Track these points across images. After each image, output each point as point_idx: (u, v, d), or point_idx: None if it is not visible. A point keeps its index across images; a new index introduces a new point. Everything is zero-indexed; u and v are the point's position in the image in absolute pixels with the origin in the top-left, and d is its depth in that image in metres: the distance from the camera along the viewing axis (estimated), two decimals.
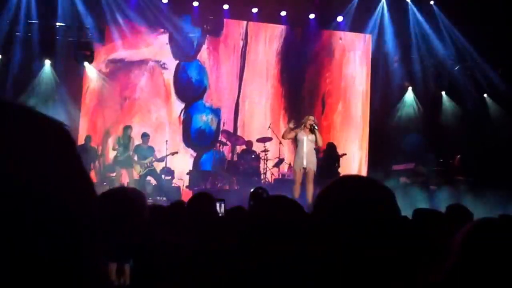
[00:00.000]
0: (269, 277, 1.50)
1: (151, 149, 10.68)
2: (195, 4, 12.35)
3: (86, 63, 11.59)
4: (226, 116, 12.71)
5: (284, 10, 12.67)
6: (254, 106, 12.86)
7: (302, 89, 12.95)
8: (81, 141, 10.75)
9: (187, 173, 11.12)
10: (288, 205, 1.68)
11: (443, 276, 1.46)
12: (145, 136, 10.70)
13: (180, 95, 12.52)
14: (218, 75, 12.75)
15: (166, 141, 11.11)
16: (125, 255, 2.10)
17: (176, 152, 11.09)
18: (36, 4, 11.38)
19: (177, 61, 12.58)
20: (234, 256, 2.66)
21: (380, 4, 12.86)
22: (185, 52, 12.57)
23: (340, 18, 12.88)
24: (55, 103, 10.99)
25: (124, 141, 10.40)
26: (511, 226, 1.55)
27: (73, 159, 0.61)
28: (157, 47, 12.43)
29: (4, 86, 10.92)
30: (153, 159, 10.59)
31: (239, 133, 12.56)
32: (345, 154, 11.19)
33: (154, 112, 12.36)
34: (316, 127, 8.59)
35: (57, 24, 11.51)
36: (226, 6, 12.45)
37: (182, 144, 12.35)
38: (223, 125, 12.58)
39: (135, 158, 10.46)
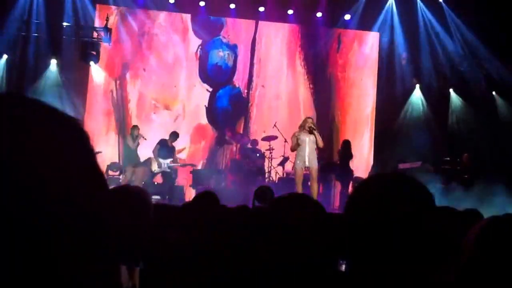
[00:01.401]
0: (282, 276, 1.48)
1: (173, 149, 10.70)
2: (202, 4, 12.34)
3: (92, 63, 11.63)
4: (243, 53, 12.85)
5: (291, 9, 12.64)
6: (270, 44, 12.96)
7: (318, 27, 12.99)
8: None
9: (191, 172, 11.12)
10: (307, 204, 1.63)
11: (456, 275, 1.45)
12: (173, 135, 10.76)
13: (197, 31, 12.63)
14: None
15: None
16: (134, 257, 2.07)
17: (195, 165, 11.08)
18: (43, 4, 11.44)
19: None
20: (241, 256, 2.64)
21: (389, 2, 12.79)
22: None
23: (347, 16, 12.82)
24: (61, 102, 11.03)
25: (134, 140, 10.42)
26: None
27: (88, 155, 0.62)
28: None
29: (11, 85, 10.99)
30: (171, 162, 10.57)
31: (254, 70, 12.80)
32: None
33: (171, 48, 12.55)
34: (314, 129, 8.68)
35: (64, 23, 11.55)
36: (232, 6, 12.43)
37: (198, 79, 12.59)
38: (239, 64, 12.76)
39: (156, 152, 10.48)
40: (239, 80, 12.86)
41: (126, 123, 12.10)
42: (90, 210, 0.59)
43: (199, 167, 11.82)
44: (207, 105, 12.58)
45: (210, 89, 12.65)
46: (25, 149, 0.56)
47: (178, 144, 11.15)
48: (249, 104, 12.78)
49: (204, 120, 12.55)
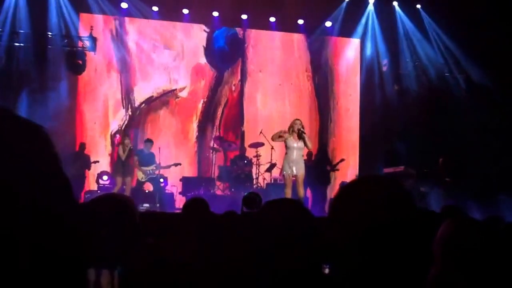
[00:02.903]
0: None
1: (152, 155, 10.80)
2: (185, 11, 12.45)
3: None
4: None
5: (274, 16, 12.80)
6: None
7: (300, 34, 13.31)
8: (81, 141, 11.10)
9: (180, 180, 11.21)
10: (294, 209, 1.68)
11: (432, 278, 1.48)
12: (148, 142, 10.89)
13: None
14: None
15: (159, 148, 11.18)
16: (114, 262, 2.11)
17: (179, 164, 11.22)
18: (27, 13, 11.44)
19: None
20: (232, 262, 2.71)
21: (368, 9, 13.01)
22: None
23: (328, 23, 13.01)
24: (47, 112, 11.05)
25: (124, 149, 10.51)
26: (484, 226, 1.59)
27: (50, 159, 0.63)
28: None
29: None
30: (155, 167, 10.68)
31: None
32: (343, 160, 11.57)
33: None
34: (303, 132, 8.70)
35: (49, 33, 11.58)
36: (216, 13, 12.56)
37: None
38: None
39: (137, 163, 10.59)
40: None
41: (126, 63, 12.33)
42: (53, 214, 0.59)
43: (186, 172, 11.91)
44: (205, 45, 12.85)
45: (208, 30, 12.90)
46: None
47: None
48: (245, 45, 13.08)
49: (203, 60, 12.85)
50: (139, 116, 12.35)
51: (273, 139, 9.10)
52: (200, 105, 12.72)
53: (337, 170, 11.44)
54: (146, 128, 12.40)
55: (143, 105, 12.41)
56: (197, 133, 12.58)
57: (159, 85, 12.56)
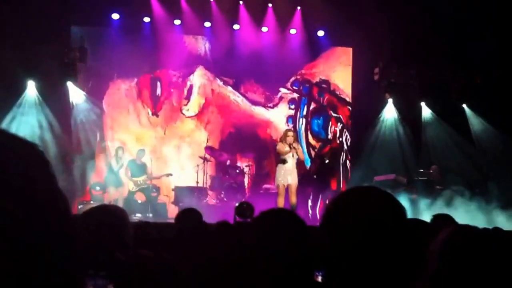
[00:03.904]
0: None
1: (144, 165, 10.82)
2: (177, 22, 12.50)
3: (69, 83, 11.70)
4: None
5: (266, 26, 12.87)
6: None
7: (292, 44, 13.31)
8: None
9: (173, 189, 11.21)
10: (287, 218, 1.70)
11: (425, 285, 1.47)
12: (141, 151, 10.92)
13: None
14: None
15: (151, 159, 11.19)
16: (109, 273, 2.10)
17: (171, 174, 11.22)
18: None
19: None
20: (226, 272, 2.72)
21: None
22: None
23: (321, 33, 13.08)
24: (40, 123, 11.06)
25: (118, 161, 10.55)
26: (486, 234, 1.59)
27: (46, 178, 0.62)
28: None
29: None
30: (146, 177, 10.70)
31: None
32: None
33: None
34: (295, 148, 8.65)
35: (40, 44, 11.55)
36: (208, 24, 12.62)
37: None
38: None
39: (128, 173, 10.59)
40: None
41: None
42: (47, 227, 0.59)
43: (178, 182, 11.90)
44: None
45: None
46: None
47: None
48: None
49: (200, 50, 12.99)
50: (138, 86, 12.50)
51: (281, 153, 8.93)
52: (195, 93, 12.74)
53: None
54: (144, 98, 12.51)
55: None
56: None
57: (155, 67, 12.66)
